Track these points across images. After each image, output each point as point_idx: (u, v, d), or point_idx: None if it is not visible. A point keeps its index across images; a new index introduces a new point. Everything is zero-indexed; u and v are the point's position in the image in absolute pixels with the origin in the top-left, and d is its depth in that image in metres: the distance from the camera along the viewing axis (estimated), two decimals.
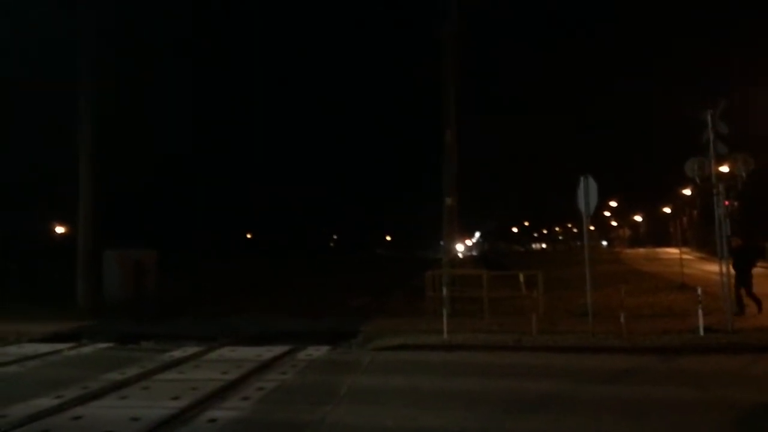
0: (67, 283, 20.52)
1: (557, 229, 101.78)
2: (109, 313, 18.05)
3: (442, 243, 20.19)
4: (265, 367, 9.92)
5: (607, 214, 74.71)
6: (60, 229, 40.47)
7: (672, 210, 58.08)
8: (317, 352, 11.34)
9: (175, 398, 7.88)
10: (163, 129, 45.68)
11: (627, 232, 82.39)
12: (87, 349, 12.03)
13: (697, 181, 12.67)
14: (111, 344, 12.62)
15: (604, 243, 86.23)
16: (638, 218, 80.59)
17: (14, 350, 11.77)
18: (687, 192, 42.76)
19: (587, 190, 12.68)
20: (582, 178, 12.72)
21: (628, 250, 58.40)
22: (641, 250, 56.30)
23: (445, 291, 14.98)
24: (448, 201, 18.03)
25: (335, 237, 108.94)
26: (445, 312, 12.46)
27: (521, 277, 17.38)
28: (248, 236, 79.14)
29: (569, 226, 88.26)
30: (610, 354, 10.61)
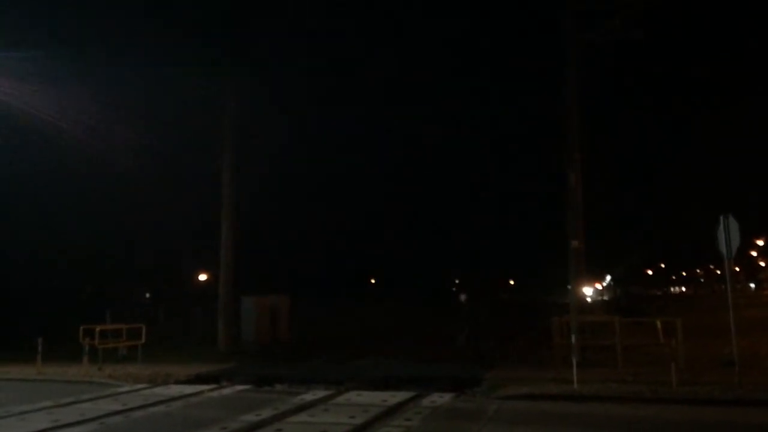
0: (209, 326, 22.06)
1: (698, 271, 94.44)
2: (246, 355, 19.28)
3: (569, 287, 19.52)
4: (390, 412, 10.04)
5: (753, 254, 68.44)
6: (202, 277, 43.53)
7: None
8: (441, 399, 11.29)
9: None
10: (297, 183, 48.43)
11: None
12: (226, 391, 12.80)
13: None
14: (248, 386, 13.33)
15: (752, 285, 78.92)
16: None
17: (162, 391, 12.74)
18: None
19: (728, 231, 11.87)
20: (722, 218, 11.94)
21: None
22: None
23: (574, 338, 14.40)
24: (574, 244, 17.47)
25: (456, 281, 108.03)
26: (574, 360, 11.98)
27: (658, 324, 16.34)
28: (372, 281, 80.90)
29: (711, 267, 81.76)
30: (760, 408, 9.68)
